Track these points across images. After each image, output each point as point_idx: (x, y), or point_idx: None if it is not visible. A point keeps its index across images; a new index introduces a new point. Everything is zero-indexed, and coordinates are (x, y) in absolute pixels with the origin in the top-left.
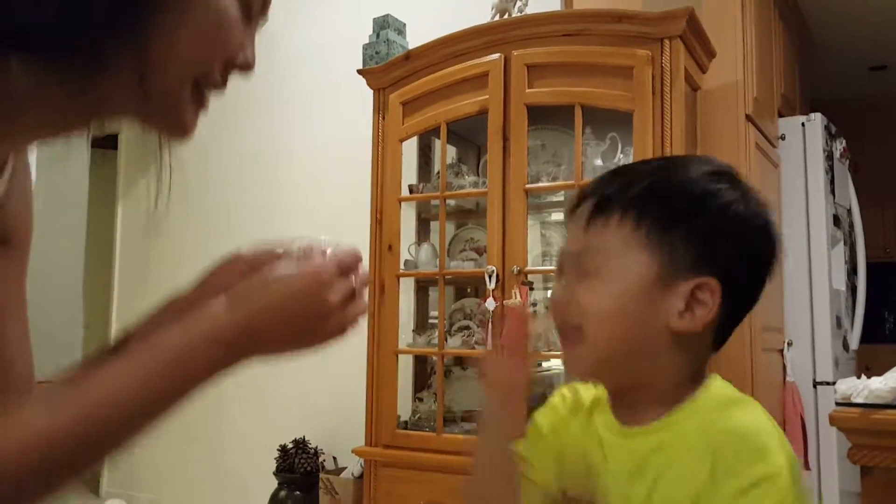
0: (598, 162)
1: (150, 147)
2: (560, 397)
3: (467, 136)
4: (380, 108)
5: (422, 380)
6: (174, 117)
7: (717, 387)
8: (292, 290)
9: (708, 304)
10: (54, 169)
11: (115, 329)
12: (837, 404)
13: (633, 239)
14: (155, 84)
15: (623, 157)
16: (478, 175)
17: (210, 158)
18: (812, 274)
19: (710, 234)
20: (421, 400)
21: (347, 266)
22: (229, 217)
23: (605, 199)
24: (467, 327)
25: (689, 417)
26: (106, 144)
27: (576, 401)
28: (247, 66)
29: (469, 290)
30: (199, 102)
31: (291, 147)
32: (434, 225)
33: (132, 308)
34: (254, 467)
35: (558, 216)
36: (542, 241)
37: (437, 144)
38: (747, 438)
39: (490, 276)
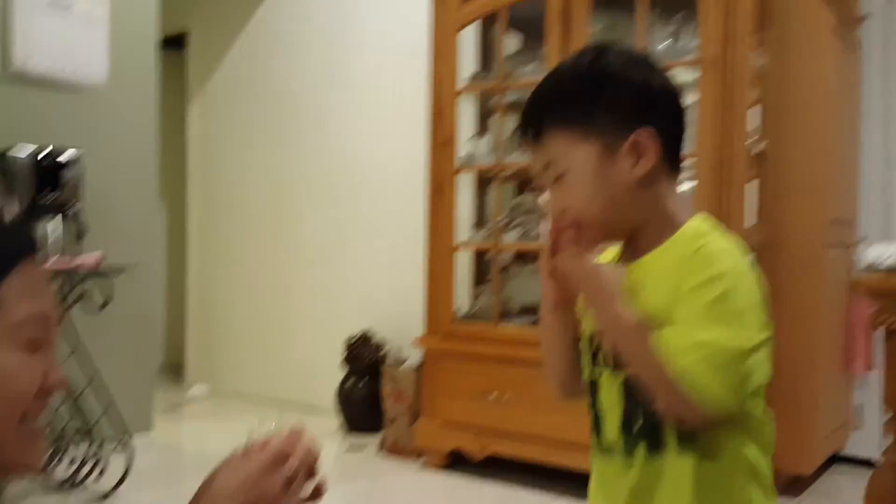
0: (665, 43)
1: (217, 46)
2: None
3: (536, 23)
4: None
5: (481, 275)
6: (15, 463)
7: (694, 223)
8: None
9: (649, 147)
10: (124, 74)
11: (190, 224)
12: (866, 270)
13: (569, 138)
14: None
15: (691, 40)
16: (539, 63)
17: (275, 52)
18: (891, 166)
19: (618, 100)
20: (480, 294)
21: (282, 454)
22: (295, 109)
23: (537, 120)
24: (526, 223)
25: (670, 248)
26: (174, 45)
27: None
28: (59, 386)
29: (531, 185)
30: (34, 433)
31: (351, 39)
32: (495, 120)
33: (206, 202)
34: (323, 358)
35: None
36: None
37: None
38: (703, 252)
39: None
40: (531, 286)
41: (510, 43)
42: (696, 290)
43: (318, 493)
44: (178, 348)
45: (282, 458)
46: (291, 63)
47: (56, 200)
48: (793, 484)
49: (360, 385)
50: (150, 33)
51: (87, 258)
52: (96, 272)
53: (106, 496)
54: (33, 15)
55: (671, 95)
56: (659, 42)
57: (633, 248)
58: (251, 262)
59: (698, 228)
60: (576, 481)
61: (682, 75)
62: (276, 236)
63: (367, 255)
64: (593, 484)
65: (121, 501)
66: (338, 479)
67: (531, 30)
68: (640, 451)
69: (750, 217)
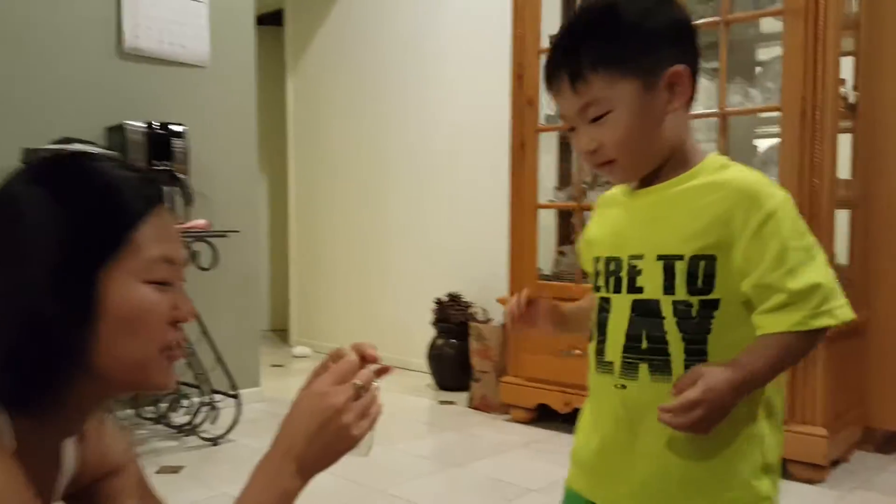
0: None
1: (312, 21)
2: (594, 209)
3: None
4: None
5: (565, 235)
6: (149, 384)
7: (713, 157)
8: (303, 423)
9: (684, 83)
10: (225, 50)
11: (292, 195)
12: None
13: (610, 78)
14: (115, 377)
15: None
16: None
17: (365, 24)
18: None
19: (653, 37)
20: (563, 254)
21: (344, 374)
22: (385, 79)
23: (574, 63)
24: (609, 182)
25: (694, 176)
26: (271, 21)
27: (605, 200)
28: (189, 318)
29: None
30: (170, 357)
31: (435, 6)
32: None
33: (304, 172)
34: (415, 318)
35: (711, 62)
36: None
37: None
38: (747, 187)
39: None
40: None
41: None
42: (761, 227)
43: (384, 371)
44: (282, 314)
45: (343, 376)
46: (380, 34)
47: (166, 170)
48: (890, 440)
49: (449, 344)
50: (248, 11)
51: (198, 222)
52: (204, 236)
53: (218, 440)
54: None
55: (693, 31)
56: None
57: (655, 176)
58: (347, 230)
59: (720, 160)
60: None
61: (768, 25)
62: (369, 204)
63: (455, 218)
64: (590, 395)
65: (231, 445)
66: (429, 432)
67: None
68: (643, 372)
69: (841, 170)
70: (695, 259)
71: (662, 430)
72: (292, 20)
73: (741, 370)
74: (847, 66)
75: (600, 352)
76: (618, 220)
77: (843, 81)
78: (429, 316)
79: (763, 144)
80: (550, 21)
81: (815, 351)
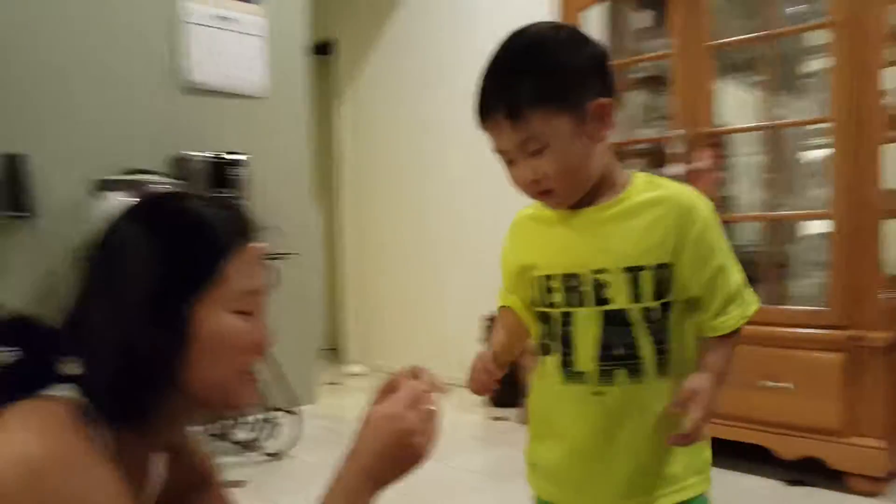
0: (794, 8)
1: (361, 50)
2: (515, 227)
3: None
4: None
5: None
6: (231, 404)
7: (642, 177)
8: (381, 446)
9: (609, 113)
10: (279, 82)
11: (344, 217)
12: None
13: (546, 114)
14: (202, 397)
15: (822, 2)
16: (669, 39)
17: (411, 53)
18: None
19: (582, 74)
20: None
21: (417, 398)
22: (434, 103)
23: (512, 102)
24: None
25: (633, 195)
26: (323, 51)
27: (532, 220)
28: (269, 343)
29: (664, 159)
30: (249, 380)
31: (481, 27)
32: (626, 96)
33: (356, 197)
34: (466, 334)
35: (752, 77)
36: (735, 101)
37: (628, 10)
38: (685, 200)
39: (676, 141)
40: None
41: (639, 19)
42: (703, 233)
43: (440, 389)
44: (337, 333)
45: (417, 399)
46: (426, 61)
47: (227, 197)
48: None
49: None
50: (301, 43)
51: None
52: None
53: (279, 456)
54: (201, 29)
55: (610, 65)
56: (788, 6)
57: (591, 200)
58: (398, 250)
59: (647, 177)
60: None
61: (814, 38)
62: (419, 224)
63: (503, 236)
64: (550, 407)
65: (292, 461)
66: (481, 448)
67: (658, 5)
68: (621, 377)
69: (886, 181)
70: (657, 268)
71: (639, 430)
72: (343, 50)
73: (717, 375)
74: (892, 78)
75: (567, 363)
76: (561, 240)
77: (888, 92)
78: (479, 332)
79: (808, 157)
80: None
81: (872, 363)
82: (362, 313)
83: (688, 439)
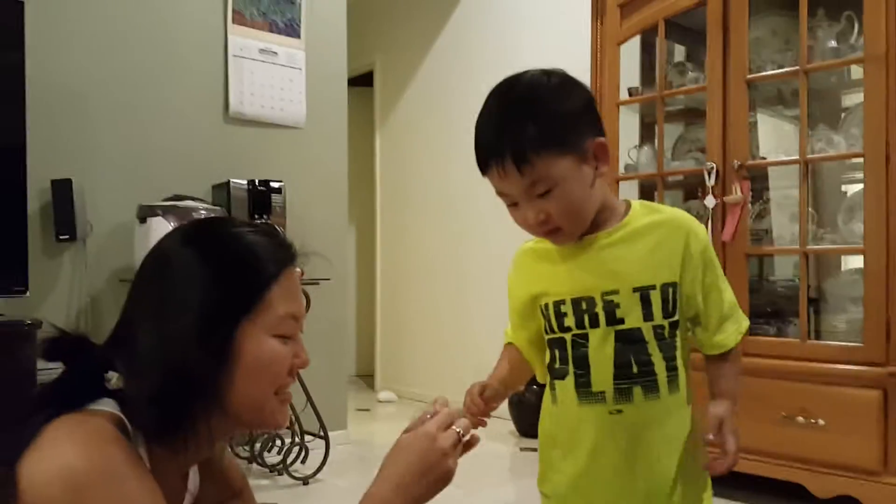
0: (832, 44)
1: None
2: (519, 260)
3: (697, 33)
4: (597, 14)
5: None
6: (267, 423)
7: (639, 204)
8: (415, 460)
9: (605, 151)
10: (318, 112)
11: (379, 240)
12: None
13: (551, 158)
14: (241, 416)
15: (858, 38)
16: (703, 72)
17: (448, 82)
18: None
19: (579, 118)
20: None
21: (447, 422)
22: (469, 131)
23: (518, 150)
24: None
25: (634, 221)
26: (363, 82)
27: (535, 253)
28: (304, 365)
29: (698, 191)
30: (284, 400)
31: (517, 60)
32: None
33: (391, 223)
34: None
35: (792, 110)
36: (774, 134)
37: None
38: (684, 222)
39: (710, 173)
40: None
41: (672, 53)
42: (703, 252)
43: (472, 444)
44: (368, 360)
45: (447, 423)
46: (463, 93)
47: (266, 223)
48: None
49: (531, 390)
50: (342, 76)
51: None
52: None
53: (308, 480)
54: (245, 63)
55: (596, 105)
56: (824, 42)
57: (593, 230)
58: (430, 279)
59: (646, 204)
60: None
61: (854, 72)
62: (451, 253)
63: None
64: (566, 430)
65: (321, 485)
66: (510, 479)
67: (693, 40)
68: (637, 394)
69: None
70: (664, 287)
71: (658, 444)
72: (381, 81)
73: (734, 398)
74: None
75: (584, 384)
76: (569, 268)
77: None
78: None
79: (850, 190)
80: (629, 73)
81: None
82: (393, 341)
83: (726, 466)
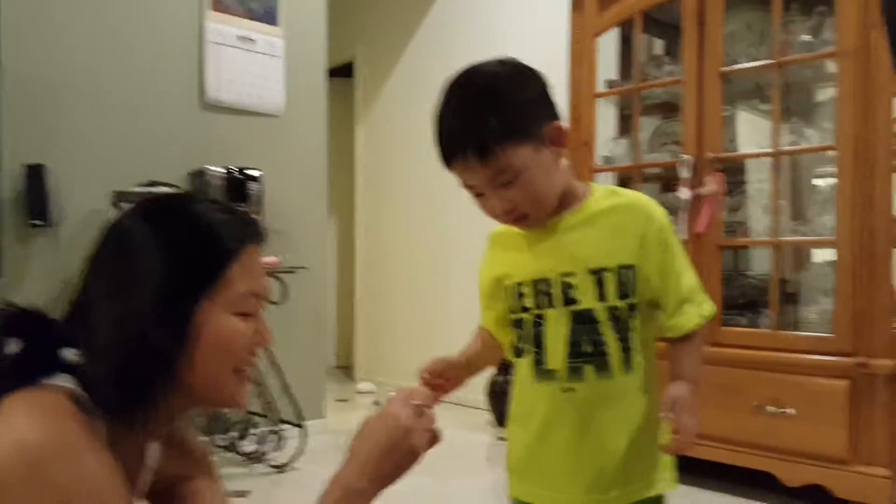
0: (806, 38)
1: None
2: (489, 246)
3: (674, 27)
4: (577, 5)
5: None
6: (226, 401)
7: (600, 187)
8: (379, 440)
9: (562, 135)
10: (297, 101)
11: (358, 235)
12: None
13: (513, 148)
14: (200, 393)
15: (831, 32)
16: (679, 65)
17: (427, 74)
18: None
19: (536, 106)
20: None
21: (406, 398)
22: None
23: (481, 142)
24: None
25: (594, 204)
26: (343, 73)
27: (503, 237)
28: (265, 343)
29: (674, 184)
30: (244, 378)
31: (496, 51)
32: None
33: (371, 214)
34: None
35: (769, 104)
36: (752, 128)
37: (640, 36)
38: (643, 205)
39: (684, 165)
40: None
41: (650, 47)
42: (660, 232)
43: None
44: (349, 351)
45: (407, 396)
46: (443, 82)
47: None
48: None
49: (508, 380)
50: (320, 65)
51: (269, 259)
52: (275, 272)
53: (284, 468)
54: (223, 49)
55: (551, 90)
56: (798, 36)
57: (555, 214)
58: (410, 269)
59: (606, 187)
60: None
61: (825, 67)
62: (432, 244)
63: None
64: (525, 407)
65: (297, 473)
66: (488, 468)
67: (670, 33)
68: (589, 372)
69: None
70: (621, 269)
71: (609, 423)
72: (362, 72)
73: (694, 380)
74: None
75: (539, 363)
76: (531, 250)
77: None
78: None
79: (822, 184)
80: (605, 66)
81: (878, 391)
82: (373, 332)
83: (680, 445)
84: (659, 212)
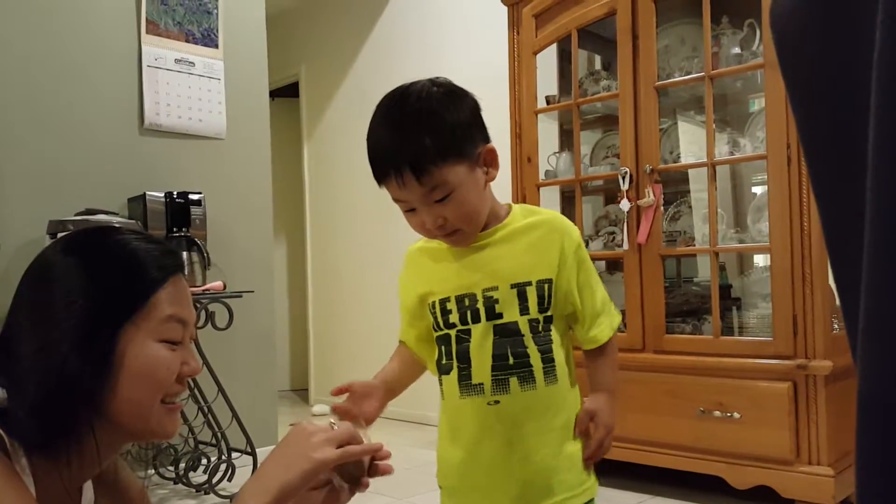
0: (736, 50)
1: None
2: (408, 261)
3: (613, 40)
4: (513, 23)
5: None
6: (155, 432)
7: (518, 207)
8: (279, 449)
9: (495, 156)
10: (239, 123)
11: (309, 247)
12: None
13: (447, 166)
14: (126, 424)
15: (759, 44)
16: (616, 79)
17: (372, 92)
18: None
19: (469, 127)
20: None
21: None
22: None
23: (417, 161)
24: (612, 232)
25: (514, 222)
26: (289, 93)
27: (423, 253)
28: (193, 373)
29: (616, 196)
30: (172, 408)
31: (439, 68)
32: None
33: (322, 234)
34: (432, 378)
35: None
36: (693, 138)
37: (577, 53)
38: (560, 223)
39: (624, 178)
40: (617, 293)
41: (590, 62)
42: (577, 251)
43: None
44: (303, 374)
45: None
46: None
47: (184, 236)
48: None
49: None
50: (262, 87)
51: (214, 284)
52: (220, 298)
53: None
54: (160, 73)
55: (480, 112)
56: (728, 49)
57: (478, 231)
58: (363, 291)
59: (525, 207)
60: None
61: (757, 78)
62: (384, 264)
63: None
64: (452, 423)
65: None
66: None
67: (607, 49)
68: (514, 384)
69: None
70: (540, 283)
71: (535, 434)
72: (307, 92)
73: (612, 391)
74: None
75: (465, 377)
76: (454, 267)
77: None
78: None
79: (759, 191)
80: (545, 83)
81: (818, 392)
82: (326, 353)
83: (596, 457)
84: (575, 230)
